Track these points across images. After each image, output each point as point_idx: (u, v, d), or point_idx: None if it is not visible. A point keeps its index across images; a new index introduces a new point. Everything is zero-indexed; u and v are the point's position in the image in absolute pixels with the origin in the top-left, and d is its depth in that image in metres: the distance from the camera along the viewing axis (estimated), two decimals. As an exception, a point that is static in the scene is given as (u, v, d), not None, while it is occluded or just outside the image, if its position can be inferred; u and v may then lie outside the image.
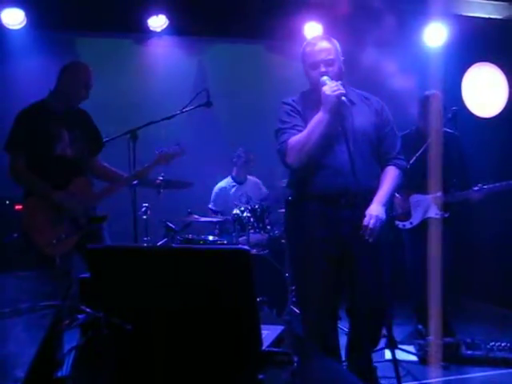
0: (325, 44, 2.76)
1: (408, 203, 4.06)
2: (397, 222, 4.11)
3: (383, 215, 2.66)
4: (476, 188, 3.87)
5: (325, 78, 2.68)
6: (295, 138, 2.69)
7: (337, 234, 2.70)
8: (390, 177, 2.79)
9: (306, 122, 2.74)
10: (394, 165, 2.82)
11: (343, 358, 2.91)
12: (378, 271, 2.73)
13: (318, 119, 2.65)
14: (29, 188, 3.34)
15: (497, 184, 3.85)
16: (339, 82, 2.67)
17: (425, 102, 4.09)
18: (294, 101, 2.83)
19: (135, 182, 3.61)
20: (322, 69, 2.72)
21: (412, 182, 3.92)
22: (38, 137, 3.29)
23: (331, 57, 2.74)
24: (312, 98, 2.79)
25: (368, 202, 2.69)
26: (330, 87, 2.63)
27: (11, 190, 4.03)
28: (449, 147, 3.85)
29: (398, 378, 2.74)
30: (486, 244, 5.24)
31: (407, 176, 3.84)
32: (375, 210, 2.66)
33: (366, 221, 2.63)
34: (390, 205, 2.82)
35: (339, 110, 2.64)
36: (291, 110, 2.80)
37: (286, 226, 3.00)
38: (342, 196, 2.67)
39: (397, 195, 4.07)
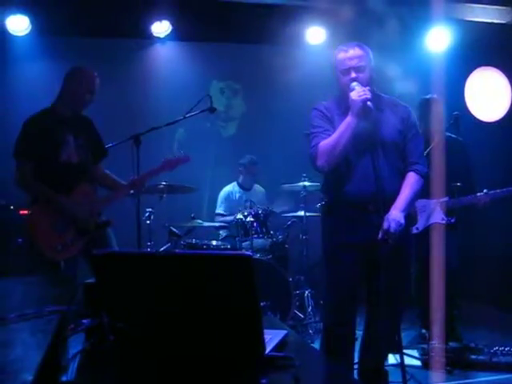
0: (357, 50, 2.80)
1: (414, 208, 4.06)
2: None
3: (402, 220, 2.69)
4: (481, 193, 3.87)
5: (354, 83, 2.74)
6: (325, 142, 2.77)
7: (366, 239, 2.73)
8: (410, 183, 2.82)
9: (334, 127, 2.81)
10: (413, 171, 2.84)
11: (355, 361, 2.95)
12: (402, 275, 2.82)
13: (347, 123, 2.72)
14: (35, 195, 3.36)
15: (504, 189, 3.84)
16: (367, 87, 2.72)
17: (424, 105, 4.10)
18: (324, 107, 2.90)
19: (137, 191, 3.61)
20: (353, 75, 2.77)
21: None
22: (44, 142, 3.30)
23: (362, 63, 2.78)
24: (341, 103, 2.85)
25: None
26: (357, 92, 2.69)
27: (15, 196, 4.05)
28: (452, 152, 3.84)
29: (405, 382, 2.74)
30: (489, 249, 5.23)
31: None
32: (394, 215, 2.69)
33: (385, 225, 2.66)
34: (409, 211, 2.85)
35: (366, 116, 2.69)
36: (321, 116, 2.88)
37: (322, 228, 3.06)
38: (370, 202, 2.71)
39: None
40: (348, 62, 2.78)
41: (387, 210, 2.70)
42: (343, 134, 2.71)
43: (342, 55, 2.82)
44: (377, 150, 2.72)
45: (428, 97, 4.15)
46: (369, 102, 2.66)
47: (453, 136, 4.08)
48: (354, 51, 2.80)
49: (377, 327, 2.84)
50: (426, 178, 2.91)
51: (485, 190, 3.86)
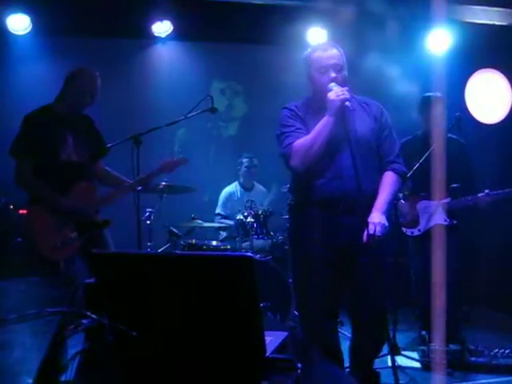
0: (334, 50, 2.79)
1: (415, 210, 4.04)
2: (404, 229, 4.09)
3: (386, 222, 2.66)
4: (483, 194, 3.85)
5: (332, 84, 2.71)
6: (300, 142, 2.71)
7: (336, 239, 2.70)
8: (388, 183, 2.77)
9: (307, 127, 2.76)
10: (391, 170, 2.80)
11: (346, 364, 2.91)
12: (379, 277, 2.75)
13: (324, 123, 2.68)
14: (34, 194, 3.35)
15: (505, 190, 3.82)
16: (345, 87, 2.70)
17: (425, 104, 4.08)
18: (295, 106, 2.86)
19: (138, 189, 3.61)
20: (332, 74, 2.74)
21: (418, 188, 3.94)
22: (43, 141, 3.30)
23: (340, 63, 2.77)
24: (315, 103, 2.81)
25: (368, 208, 2.69)
26: (336, 92, 2.66)
27: (15, 195, 4.04)
28: (454, 154, 3.83)
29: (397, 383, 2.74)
30: (489, 251, 5.23)
31: (413, 182, 3.83)
32: (377, 218, 2.65)
33: (370, 229, 2.62)
34: (390, 212, 2.81)
35: (343, 115, 2.67)
36: (292, 115, 2.83)
37: (289, 229, 3.02)
38: (342, 202, 2.68)
39: (402, 202, 4.07)
40: (327, 61, 2.75)
41: (360, 210, 2.66)
42: (320, 133, 2.67)
43: (319, 53, 2.79)
44: (349, 149, 2.67)
45: (429, 95, 4.11)
46: (347, 102, 2.64)
47: (454, 137, 4.07)
48: (331, 51, 2.78)
49: (360, 329, 2.82)
50: (403, 177, 2.87)
51: (486, 191, 3.85)
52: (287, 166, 2.80)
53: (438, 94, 4.05)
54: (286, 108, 2.87)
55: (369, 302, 2.74)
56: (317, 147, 2.66)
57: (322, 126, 2.68)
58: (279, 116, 2.87)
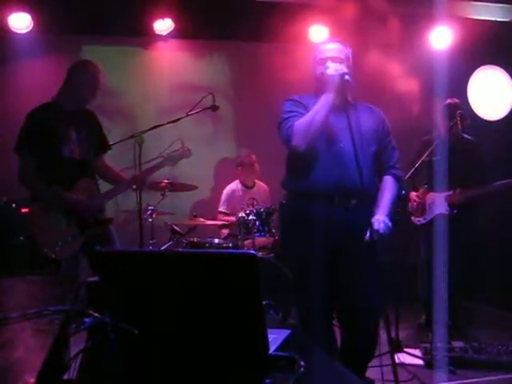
0: (336, 45, 2.85)
1: (424, 201, 4.42)
2: (413, 218, 4.51)
3: (389, 223, 2.70)
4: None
5: (328, 62, 2.75)
6: (300, 121, 2.72)
7: (329, 234, 2.68)
8: (390, 187, 2.86)
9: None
10: (391, 175, 2.88)
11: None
12: (371, 274, 2.73)
13: (324, 99, 2.69)
14: (37, 192, 3.34)
15: (506, 181, 4.11)
16: (343, 64, 2.73)
17: (447, 110, 4.29)
18: (299, 97, 2.90)
19: (139, 187, 3.60)
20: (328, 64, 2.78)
21: (430, 183, 4.36)
22: (46, 137, 3.28)
23: (340, 56, 2.80)
24: (315, 97, 2.82)
25: (363, 203, 2.73)
26: (335, 67, 2.70)
27: (17, 193, 4.04)
28: (467, 153, 4.18)
29: (397, 382, 2.73)
30: (492, 247, 5.22)
31: (428, 177, 4.20)
32: (382, 218, 2.70)
33: (375, 225, 2.65)
34: (391, 215, 2.85)
35: (343, 89, 2.70)
36: (295, 103, 2.86)
37: (282, 227, 3.04)
38: (339, 193, 2.69)
39: (414, 192, 4.48)
40: (326, 53, 2.81)
41: (356, 204, 2.70)
42: (320, 109, 2.67)
43: (320, 47, 2.88)
44: (351, 139, 2.66)
45: (451, 101, 4.34)
46: (347, 76, 2.66)
47: (468, 137, 4.31)
48: (333, 45, 2.86)
49: (352, 331, 2.81)
50: (401, 183, 2.97)
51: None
52: (289, 147, 2.79)
53: (456, 99, 4.36)
54: (289, 99, 2.90)
55: (360, 299, 2.73)
56: (316, 124, 2.66)
57: (321, 103, 2.69)
58: (282, 107, 2.88)
